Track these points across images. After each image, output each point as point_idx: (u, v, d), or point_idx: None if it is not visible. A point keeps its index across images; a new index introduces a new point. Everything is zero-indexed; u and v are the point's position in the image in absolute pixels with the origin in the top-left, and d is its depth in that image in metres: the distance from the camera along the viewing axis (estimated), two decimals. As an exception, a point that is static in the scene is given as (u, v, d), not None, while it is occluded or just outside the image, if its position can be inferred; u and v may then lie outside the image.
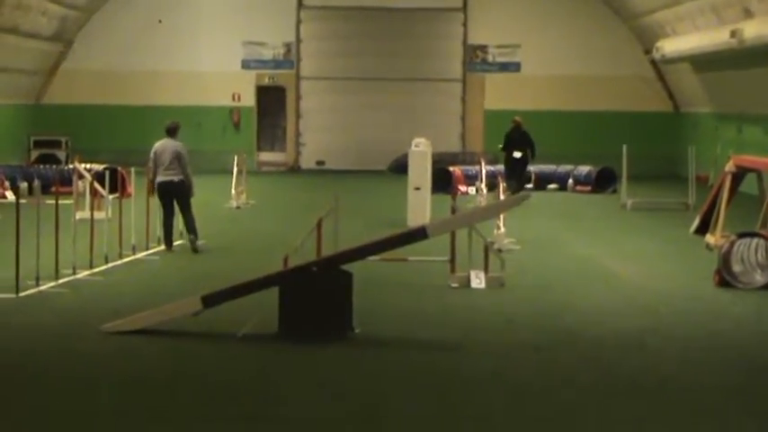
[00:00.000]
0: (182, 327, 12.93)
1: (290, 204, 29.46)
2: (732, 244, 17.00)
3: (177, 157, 19.61)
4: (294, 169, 41.81)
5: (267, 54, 41.80)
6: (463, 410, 10.02)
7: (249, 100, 41.98)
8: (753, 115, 33.46)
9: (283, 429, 9.47)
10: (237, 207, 27.24)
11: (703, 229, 21.98)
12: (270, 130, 42.56)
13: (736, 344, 12.93)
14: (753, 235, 17.28)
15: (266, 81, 42.00)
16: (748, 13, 29.50)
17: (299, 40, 41.81)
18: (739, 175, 21.67)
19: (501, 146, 31.27)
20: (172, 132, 19.96)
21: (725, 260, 16.85)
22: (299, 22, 41.72)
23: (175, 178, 19.63)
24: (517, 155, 30.87)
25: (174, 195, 19.70)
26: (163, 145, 19.76)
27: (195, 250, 19.57)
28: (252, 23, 41.27)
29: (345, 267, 13.08)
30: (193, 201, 19.99)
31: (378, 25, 41.64)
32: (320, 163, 41.96)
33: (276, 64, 41.92)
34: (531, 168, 34.03)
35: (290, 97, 42.17)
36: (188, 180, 19.74)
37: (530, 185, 33.17)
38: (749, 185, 22.80)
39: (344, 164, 41.42)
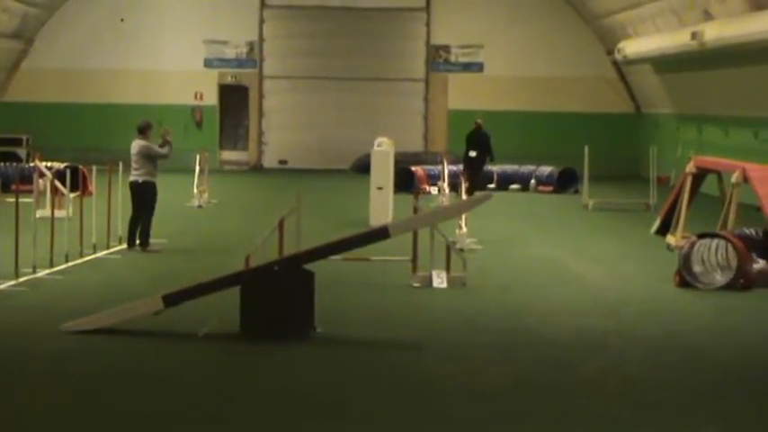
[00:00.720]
0: (142, 326, 12.85)
1: (252, 203, 29.37)
2: (692, 245, 17.07)
3: (143, 156, 19.50)
4: (256, 168, 41.70)
5: (230, 53, 41.67)
6: (424, 410, 9.99)
7: (212, 99, 41.83)
8: (713, 116, 33.64)
9: (244, 430, 9.41)
10: (199, 206, 27.13)
11: (664, 229, 22.07)
12: (232, 129, 42.43)
13: (697, 344, 12.96)
14: (713, 236, 17.36)
15: (229, 80, 41.87)
16: (708, 16, 29.64)
17: (261, 39, 41.70)
18: (700, 176, 21.78)
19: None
20: (141, 131, 19.87)
21: (685, 261, 16.92)
22: (261, 21, 41.61)
23: (140, 179, 19.52)
24: (472, 154, 31.17)
25: (137, 196, 19.58)
26: (133, 144, 19.68)
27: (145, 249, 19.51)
28: (214, 22, 41.13)
29: (307, 267, 13.04)
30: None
31: (341, 25, 41.57)
32: (283, 162, 41.86)
33: (239, 63, 41.79)
34: (494, 169, 34.18)
35: (253, 96, 42.06)
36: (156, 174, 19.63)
37: (491, 185, 33.24)
38: (710, 186, 22.91)
39: (307, 163, 41.34)
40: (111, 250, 19.41)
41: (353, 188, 31.04)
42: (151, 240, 19.63)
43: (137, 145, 19.61)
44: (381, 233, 13.51)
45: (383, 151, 24.30)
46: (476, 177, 31.08)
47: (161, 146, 19.81)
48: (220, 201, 28.47)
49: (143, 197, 19.49)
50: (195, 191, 27.55)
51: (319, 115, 41.85)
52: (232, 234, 22.08)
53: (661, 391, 10.72)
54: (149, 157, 19.52)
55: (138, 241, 19.46)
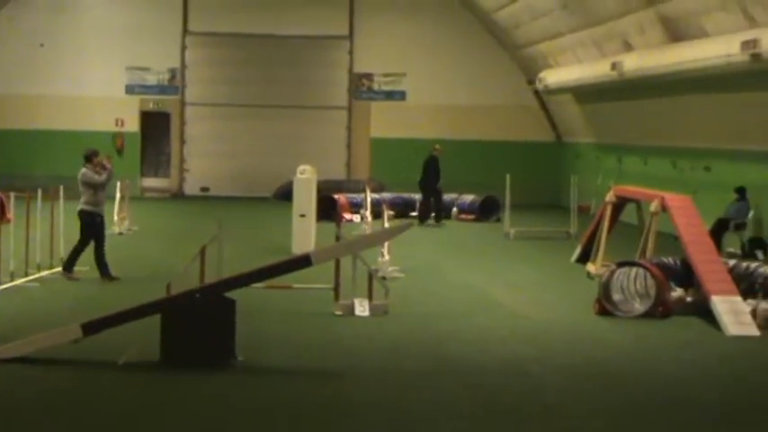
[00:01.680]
0: (61, 354, 12.71)
1: (173, 231, 29.19)
2: (612, 273, 17.24)
3: (83, 184, 19.45)
4: (178, 196, 41.48)
5: (151, 79, 41.46)
6: (346, 439, 9.99)
7: (133, 125, 41.55)
8: (632, 146, 34.02)
9: (164, 459, 9.34)
10: (120, 233, 26.89)
11: (585, 257, 22.29)
12: (154, 156, 42.19)
13: (616, 372, 13.07)
14: (632, 264, 17.55)
15: (150, 106, 41.65)
16: (628, 46, 30.03)
17: (183, 65, 41.55)
18: (619, 205, 22.04)
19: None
20: (86, 159, 19.80)
21: (605, 289, 17.08)
22: (183, 47, 41.47)
23: (79, 207, 19.51)
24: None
25: (80, 224, 19.55)
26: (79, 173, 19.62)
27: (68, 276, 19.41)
28: (136, 48, 40.90)
29: (229, 295, 12.98)
30: (76, 228, 19.65)
31: (264, 52, 41.55)
32: (204, 189, 41.68)
33: (160, 89, 41.59)
34: (417, 197, 34.36)
35: (175, 123, 41.86)
36: (101, 204, 19.60)
37: (413, 213, 33.34)
38: (629, 215, 23.17)
39: (229, 190, 41.21)
40: (31, 278, 19.20)
41: (276, 216, 30.97)
42: (75, 269, 19.50)
43: (79, 173, 19.56)
44: (303, 261, 13.50)
45: (305, 179, 24.30)
46: (439, 203, 32.16)
47: (98, 173, 19.69)
48: (141, 228, 28.26)
49: (81, 224, 19.45)
50: (116, 218, 27.31)
51: (242, 142, 41.75)
52: (153, 261, 21.93)
53: (580, 419, 10.80)
54: (88, 185, 19.41)
55: (64, 269, 19.42)
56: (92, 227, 19.50)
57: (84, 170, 19.55)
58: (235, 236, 23.90)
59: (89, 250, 19.55)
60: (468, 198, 34.29)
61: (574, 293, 18.95)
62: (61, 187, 21.40)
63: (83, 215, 19.47)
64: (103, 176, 19.70)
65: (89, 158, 19.79)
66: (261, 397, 11.51)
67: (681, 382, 12.57)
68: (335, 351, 13.91)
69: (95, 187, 19.47)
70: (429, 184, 32.14)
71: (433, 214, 32.05)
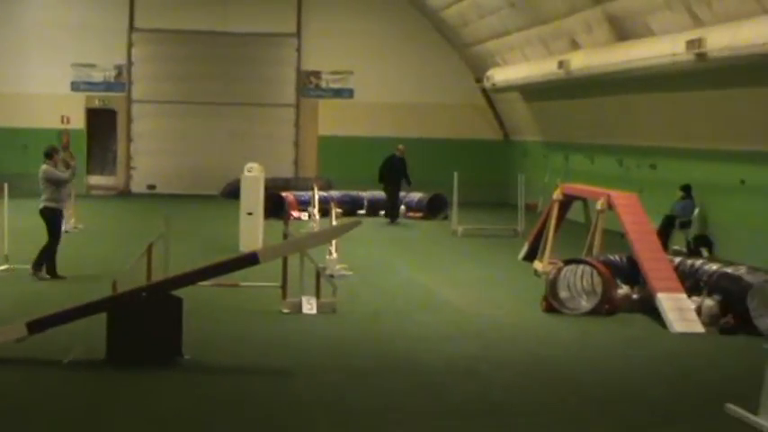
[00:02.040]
0: (5, 353, 12.61)
1: (120, 229, 29.01)
2: (559, 271, 17.34)
3: (45, 181, 19.30)
4: (124, 193, 41.25)
5: (97, 76, 41.19)
6: (293, 437, 9.99)
7: (79, 123, 41.25)
8: (579, 144, 34.21)
9: (110, 458, 9.30)
10: (66, 231, 26.62)
11: (532, 255, 22.40)
12: (100, 154, 41.92)
13: (563, 369, 13.14)
14: (579, 262, 17.66)
15: (96, 104, 41.39)
16: (575, 45, 30.19)
17: (130, 62, 41.32)
18: (566, 202, 22.15)
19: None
20: (47, 156, 19.66)
21: (552, 286, 17.18)
22: (130, 44, 41.23)
23: (41, 204, 19.35)
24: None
25: (44, 222, 19.40)
26: (39, 170, 19.46)
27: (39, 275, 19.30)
28: (82, 45, 40.62)
29: (176, 293, 12.94)
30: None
31: (211, 49, 41.39)
32: (151, 187, 41.48)
33: (107, 86, 41.33)
34: (364, 195, 34.50)
35: (121, 120, 41.61)
36: (62, 201, 19.46)
37: (361, 211, 33.40)
38: (576, 213, 23.29)
39: (176, 188, 41.05)
40: (-26, 276, 19.06)
41: (223, 214, 30.90)
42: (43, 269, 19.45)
43: (40, 170, 19.39)
44: (251, 259, 13.49)
45: (253, 177, 24.25)
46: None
47: (60, 170, 19.59)
48: (87, 226, 28.07)
49: (46, 223, 19.31)
50: (61, 216, 27.07)
51: (189, 140, 41.59)
52: (99, 259, 21.80)
53: (526, 416, 10.85)
54: (51, 182, 19.27)
55: (33, 268, 19.36)
56: (56, 223, 19.41)
57: (45, 167, 19.39)
58: (182, 234, 23.82)
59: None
60: (416, 196, 34.33)
61: (521, 291, 19.03)
62: (6, 185, 21.21)
63: (46, 212, 19.32)
64: (68, 173, 19.64)
65: (50, 155, 19.67)
66: (207, 395, 11.47)
67: (626, 379, 12.65)
68: (283, 349, 13.90)
69: (58, 184, 19.35)
70: (397, 183, 32.16)
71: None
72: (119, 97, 41.43)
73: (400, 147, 32.72)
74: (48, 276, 19.22)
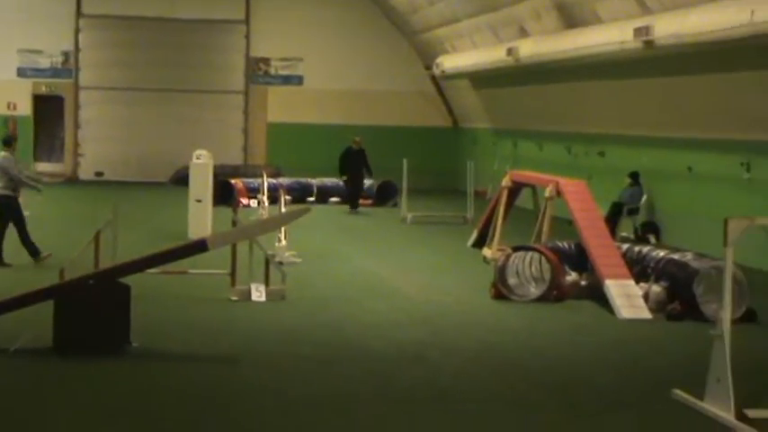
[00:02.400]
0: (-49, 342, 12.52)
1: (67, 216, 28.80)
2: (507, 257, 17.40)
3: (2, 171, 19.11)
4: (72, 180, 40.95)
5: (44, 62, 40.87)
6: (239, 422, 9.95)
7: (25, 109, 40.93)
8: (528, 131, 34.33)
9: (57, 447, 9.24)
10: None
11: (481, 242, 22.47)
12: (47, 141, 41.61)
13: (511, 356, 13.19)
14: (527, 249, 17.73)
15: (43, 90, 41.06)
16: (524, 32, 30.27)
17: (77, 48, 40.99)
18: (515, 189, 22.23)
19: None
20: (4, 144, 19.49)
21: (501, 273, 17.24)
22: (77, 30, 40.91)
23: (1, 192, 19.17)
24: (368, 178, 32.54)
25: (2, 211, 19.24)
26: None
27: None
28: (28, 31, 40.26)
29: (123, 280, 12.87)
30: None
31: (159, 36, 41.15)
32: (99, 174, 41.21)
33: (54, 73, 41.01)
34: (313, 182, 34.50)
35: (69, 107, 41.31)
36: (17, 190, 19.34)
37: (311, 198, 33.38)
38: (525, 200, 23.39)
39: (124, 175, 40.82)
40: None
41: (172, 201, 30.75)
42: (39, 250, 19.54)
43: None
44: (199, 246, 13.43)
45: (202, 164, 24.16)
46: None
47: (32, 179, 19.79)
48: (34, 213, 27.78)
49: (6, 212, 19.22)
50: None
51: (137, 127, 41.34)
52: (46, 247, 21.58)
53: (475, 403, 10.89)
54: (5, 171, 19.11)
55: (33, 258, 19.39)
56: (10, 210, 19.28)
57: (4, 154, 19.23)
58: (130, 221, 23.69)
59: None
60: (366, 183, 34.30)
61: (470, 278, 19.08)
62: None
63: (7, 201, 19.22)
64: (32, 183, 19.76)
65: (8, 143, 19.55)
66: (155, 382, 11.43)
67: (574, 365, 12.72)
68: (231, 336, 13.86)
69: (11, 177, 19.23)
70: (358, 173, 32.01)
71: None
72: (66, 83, 41.12)
73: (356, 139, 32.48)
74: (47, 254, 19.24)
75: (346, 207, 32.13)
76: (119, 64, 41.10)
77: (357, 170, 31.97)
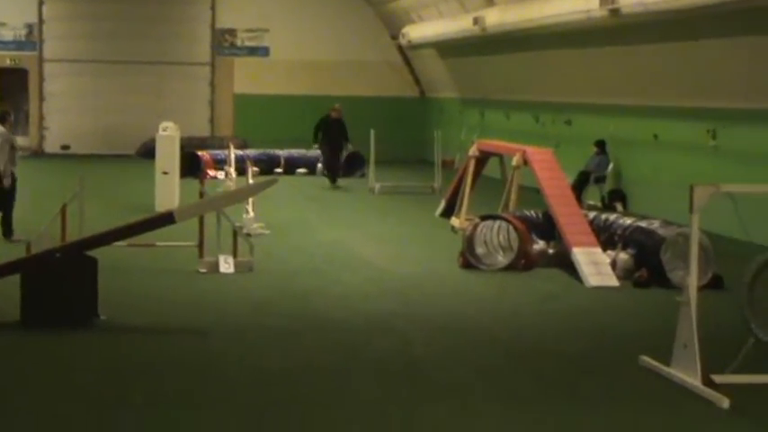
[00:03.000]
0: None
1: (33, 189, 28.57)
2: (475, 227, 17.42)
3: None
4: (38, 153, 40.69)
5: (7, 35, 40.51)
6: (208, 393, 9.94)
7: (-11, 82, 40.65)
8: (495, 101, 34.33)
9: (23, 421, 9.19)
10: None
11: (449, 212, 22.49)
12: (12, 114, 41.21)
13: (480, 324, 13.22)
14: (495, 217, 17.75)
15: (7, 63, 40.73)
16: (490, 1, 30.21)
17: (41, 21, 40.67)
18: (483, 159, 22.24)
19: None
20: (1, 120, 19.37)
21: (469, 242, 17.26)
22: (41, 2, 40.56)
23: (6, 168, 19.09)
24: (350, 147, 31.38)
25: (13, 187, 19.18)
26: None
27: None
28: (-9, 3, 39.96)
29: (91, 253, 12.82)
30: None
31: (124, 7, 40.84)
32: (65, 147, 40.97)
33: (17, 45, 40.67)
34: (281, 153, 34.45)
35: (33, 80, 40.99)
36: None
37: (279, 170, 33.31)
38: (492, 169, 23.41)
39: (91, 148, 40.58)
40: None
41: (139, 173, 30.63)
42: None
43: None
44: (167, 218, 13.39)
45: (168, 136, 24.07)
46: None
47: None
48: None
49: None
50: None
51: (103, 99, 41.08)
52: (13, 221, 21.50)
53: (445, 371, 10.92)
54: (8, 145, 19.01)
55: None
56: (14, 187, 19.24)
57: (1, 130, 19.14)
58: (97, 194, 23.59)
59: None
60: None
61: (438, 247, 19.11)
62: None
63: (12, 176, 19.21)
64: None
65: (3, 119, 19.43)
66: (124, 355, 11.40)
67: (543, 333, 12.77)
68: (200, 308, 13.84)
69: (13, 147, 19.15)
70: (337, 145, 30.80)
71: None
72: (30, 56, 40.79)
73: (336, 106, 31.52)
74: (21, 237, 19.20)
75: (313, 178, 32.04)
76: (83, 36, 40.79)
77: (335, 141, 30.75)
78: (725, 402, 9.64)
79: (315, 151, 33.74)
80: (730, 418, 9.41)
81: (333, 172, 30.97)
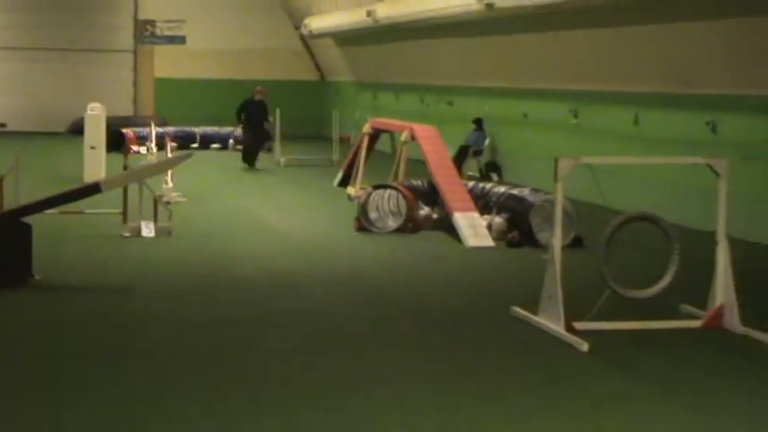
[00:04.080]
0: None
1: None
2: (369, 195, 17.43)
3: None
4: (-24, 131, 39.83)
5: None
6: (132, 346, 9.83)
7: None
8: (386, 84, 34.35)
9: (-34, 371, 9.02)
10: None
11: (345, 182, 22.46)
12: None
13: (374, 281, 13.24)
14: (386, 187, 17.78)
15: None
16: (382, -4, 30.16)
17: (-22, 13, 39.74)
18: (375, 135, 22.24)
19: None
20: None
21: (363, 209, 17.26)
22: (-23, -4, 39.67)
23: None
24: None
25: None
26: None
27: None
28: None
29: (25, 220, 12.60)
30: None
31: (55, 0, 40.13)
32: (2, 125, 40.13)
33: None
34: (197, 130, 34.15)
35: (-28, 64, 40.09)
36: None
37: (195, 145, 33.02)
38: (384, 144, 23.43)
39: (25, 126, 39.81)
40: None
41: (69, 149, 30.11)
42: None
43: None
44: (94, 188, 13.25)
45: (95, 115, 23.71)
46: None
47: None
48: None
49: None
50: None
51: (35, 83, 40.25)
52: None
53: (341, 321, 10.92)
54: None
55: None
56: None
57: None
58: (31, 167, 23.14)
59: None
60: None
61: (336, 213, 19.09)
62: None
63: None
64: None
65: None
66: (56, 311, 11.23)
67: (428, 288, 12.82)
68: (124, 269, 13.68)
69: None
70: (259, 128, 28.14)
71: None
72: (-31, 45, 39.83)
73: (258, 88, 28.88)
74: None
75: (227, 153, 31.73)
76: (12, 27, 39.90)
77: (257, 122, 28.00)
78: (584, 346, 9.77)
79: (227, 129, 33.47)
80: (588, 359, 9.55)
81: (251, 156, 28.14)
